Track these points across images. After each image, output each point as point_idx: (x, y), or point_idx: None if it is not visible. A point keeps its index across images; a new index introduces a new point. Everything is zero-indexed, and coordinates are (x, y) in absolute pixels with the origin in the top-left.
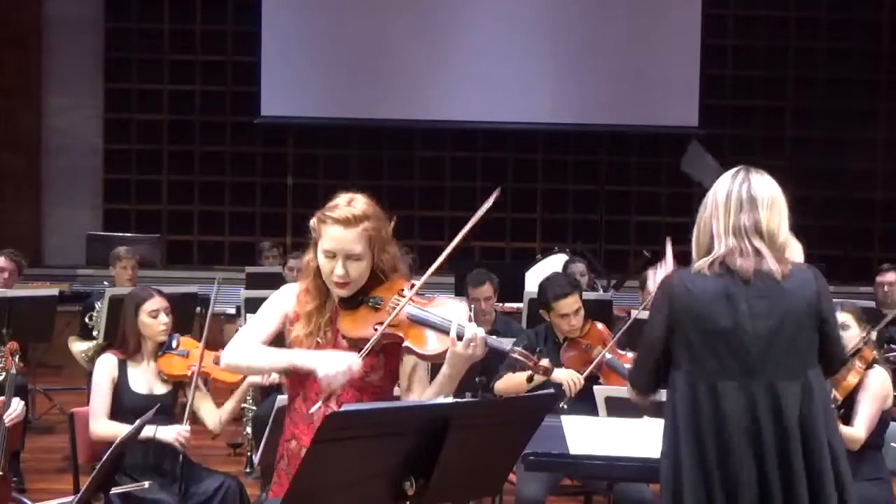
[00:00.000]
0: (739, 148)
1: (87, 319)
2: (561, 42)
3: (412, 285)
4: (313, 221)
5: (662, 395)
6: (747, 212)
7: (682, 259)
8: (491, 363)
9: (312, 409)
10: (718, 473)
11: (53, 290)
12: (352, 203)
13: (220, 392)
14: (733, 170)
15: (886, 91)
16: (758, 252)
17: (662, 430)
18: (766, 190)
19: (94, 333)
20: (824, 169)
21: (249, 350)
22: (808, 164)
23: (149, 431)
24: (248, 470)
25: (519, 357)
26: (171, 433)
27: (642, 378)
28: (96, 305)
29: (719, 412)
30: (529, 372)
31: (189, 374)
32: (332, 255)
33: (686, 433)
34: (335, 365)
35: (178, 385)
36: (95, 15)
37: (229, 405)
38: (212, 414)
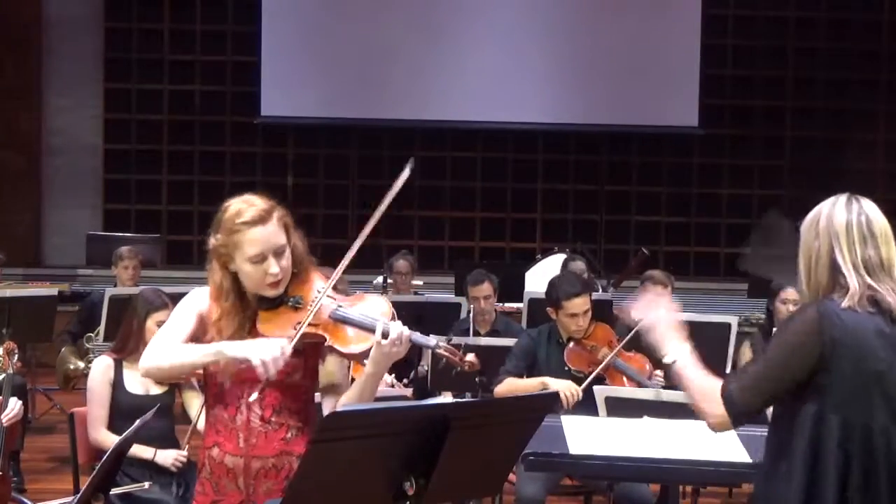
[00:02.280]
0: (739, 148)
1: (86, 342)
2: (561, 42)
3: (327, 280)
4: (217, 241)
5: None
6: (872, 247)
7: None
8: (491, 364)
9: (252, 398)
10: None
11: (53, 290)
12: (252, 202)
13: None
14: (842, 197)
15: (886, 91)
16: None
17: (776, 463)
18: (881, 222)
19: (88, 356)
20: (824, 169)
21: (172, 349)
22: (808, 164)
23: (147, 454)
24: None
25: (444, 353)
26: (169, 458)
27: (754, 404)
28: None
29: (871, 454)
30: (535, 380)
31: None
32: (261, 259)
33: (831, 473)
34: (268, 351)
35: (174, 385)
36: (95, 15)
37: None
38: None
